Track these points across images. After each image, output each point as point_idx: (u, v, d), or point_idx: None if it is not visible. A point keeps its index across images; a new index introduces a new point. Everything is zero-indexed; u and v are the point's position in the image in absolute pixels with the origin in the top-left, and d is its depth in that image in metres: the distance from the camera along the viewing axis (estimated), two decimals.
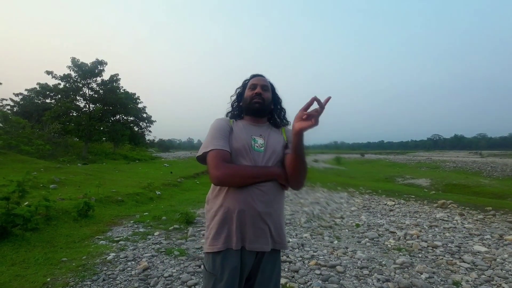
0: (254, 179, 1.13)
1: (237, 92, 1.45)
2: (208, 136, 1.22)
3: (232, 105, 1.44)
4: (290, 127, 1.40)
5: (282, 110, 1.45)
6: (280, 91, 1.47)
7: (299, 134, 1.05)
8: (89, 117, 21.61)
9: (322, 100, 0.96)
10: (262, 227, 1.14)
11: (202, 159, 1.21)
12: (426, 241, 4.14)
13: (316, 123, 0.98)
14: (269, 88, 1.37)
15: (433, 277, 2.92)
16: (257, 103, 1.29)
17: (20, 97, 27.39)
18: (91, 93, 23.09)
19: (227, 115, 1.43)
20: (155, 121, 31.84)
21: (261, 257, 1.17)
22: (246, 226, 1.12)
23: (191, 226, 4.62)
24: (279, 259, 1.28)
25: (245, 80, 1.42)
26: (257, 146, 1.22)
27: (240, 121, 1.34)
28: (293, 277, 2.88)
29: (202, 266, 1.29)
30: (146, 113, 30.38)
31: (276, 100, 1.43)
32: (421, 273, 2.99)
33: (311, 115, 0.99)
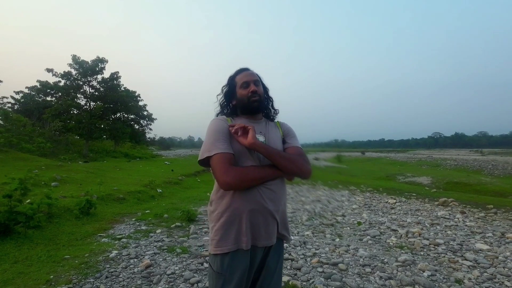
0: (263, 180, 1.13)
1: (224, 90, 1.37)
2: (210, 139, 1.16)
3: (221, 105, 1.38)
4: (279, 118, 1.46)
5: (271, 100, 1.42)
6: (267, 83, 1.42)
7: (253, 146, 1.11)
8: (90, 115, 21.56)
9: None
10: (273, 224, 1.17)
11: (205, 162, 1.17)
12: (428, 239, 4.13)
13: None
14: (260, 81, 1.33)
15: (436, 275, 2.91)
16: (255, 101, 1.26)
17: (21, 95, 27.43)
18: (91, 91, 23.07)
19: (217, 116, 1.36)
20: (156, 119, 31.77)
21: (268, 250, 1.21)
22: (258, 225, 1.13)
23: (193, 224, 4.62)
24: (283, 248, 1.32)
25: (231, 77, 1.35)
26: None
27: (238, 119, 1.29)
28: (295, 274, 2.88)
29: (208, 266, 1.29)
30: (146, 111, 30.35)
31: (265, 90, 1.38)
32: (424, 271, 2.99)
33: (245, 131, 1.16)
